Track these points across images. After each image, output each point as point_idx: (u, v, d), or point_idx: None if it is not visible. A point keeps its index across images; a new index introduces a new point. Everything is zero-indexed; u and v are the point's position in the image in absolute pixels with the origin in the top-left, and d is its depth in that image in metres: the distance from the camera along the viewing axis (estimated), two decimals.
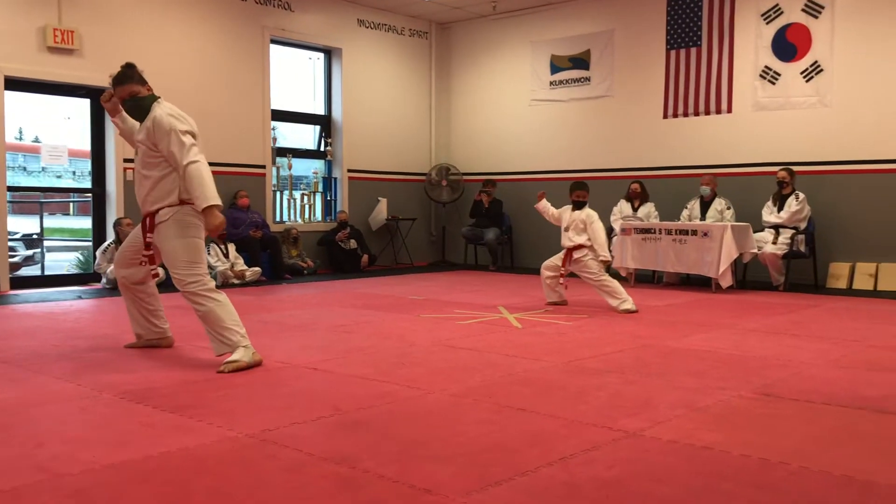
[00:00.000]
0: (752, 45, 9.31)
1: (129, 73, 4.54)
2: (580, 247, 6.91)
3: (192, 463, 2.75)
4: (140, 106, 4.51)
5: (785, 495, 2.48)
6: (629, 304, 6.65)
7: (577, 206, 7.05)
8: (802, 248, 8.45)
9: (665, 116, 10.02)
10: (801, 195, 8.45)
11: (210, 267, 8.75)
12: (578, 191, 7.10)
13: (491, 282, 9.32)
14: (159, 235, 4.46)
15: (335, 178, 11.14)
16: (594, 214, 7.00)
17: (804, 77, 8.96)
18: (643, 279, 9.10)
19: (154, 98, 4.54)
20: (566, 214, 7.11)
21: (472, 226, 11.19)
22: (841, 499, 2.46)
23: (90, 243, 9.23)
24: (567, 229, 7.03)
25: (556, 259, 7.09)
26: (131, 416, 3.35)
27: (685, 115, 9.85)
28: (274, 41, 10.33)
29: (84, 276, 9.12)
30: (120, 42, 8.72)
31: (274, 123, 10.37)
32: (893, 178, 8.43)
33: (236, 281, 8.77)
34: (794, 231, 8.41)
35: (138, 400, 3.61)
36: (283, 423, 3.21)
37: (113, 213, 8.90)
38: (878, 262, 8.45)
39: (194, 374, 4.18)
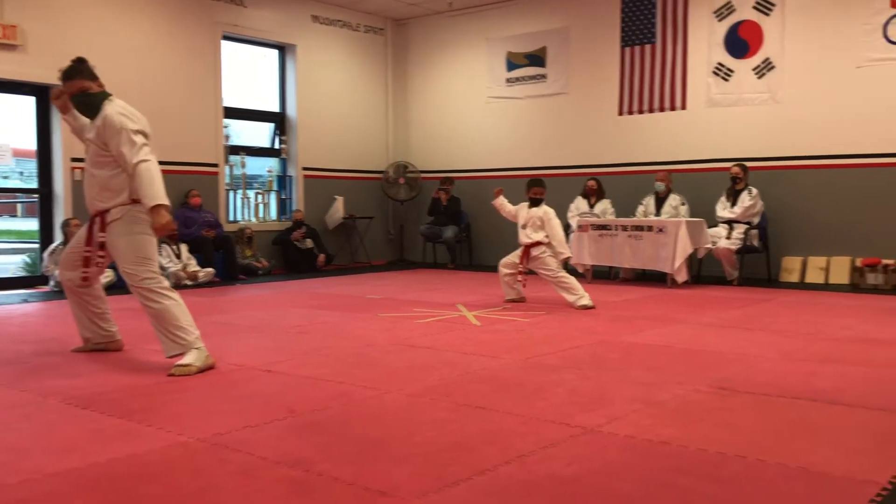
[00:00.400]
0: (705, 42, 9.41)
1: (78, 68, 4.40)
2: (538, 244, 6.91)
3: (139, 470, 2.66)
4: (90, 102, 4.37)
5: (742, 489, 2.48)
6: (586, 300, 6.67)
7: (534, 203, 7.05)
8: (756, 243, 8.57)
9: (620, 113, 10.08)
10: (754, 190, 8.56)
11: (162, 268, 8.54)
12: (535, 188, 7.09)
13: (449, 280, 9.29)
14: (111, 234, 4.33)
15: (290, 177, 11.01)
16: (551, 211, 7.01)
17: (756, 74, 9.08)
18: (600, 275, 9.14)
19: (105, 95, 4.41)
20: (523, 211, 7.11)
21: (430, 224, 11.15)
22: (796, 491, 2.47)
23: (37, 245, 8.98)
24: (524, 226, 7.03)
25: (514, 256, 7.08)
26: (77, 423, 3.24)
27: (640, 111, 9.92)
28: (226, 37, 10.17)
29: (31, 279, 8.87)
30: (66, 38, 8.49)
31: (226, 121, 10.21)
32: (843, 173, 8.58)
33: (189, 282, 8.60)
34: (747, 226, 8.52)
35: (85, 405, 3.49)
36: (236, 427, 3.13)
37: (61, 214, 8.67)
38: (828, 256, 8.60)
39: (144, 377, 4.07)
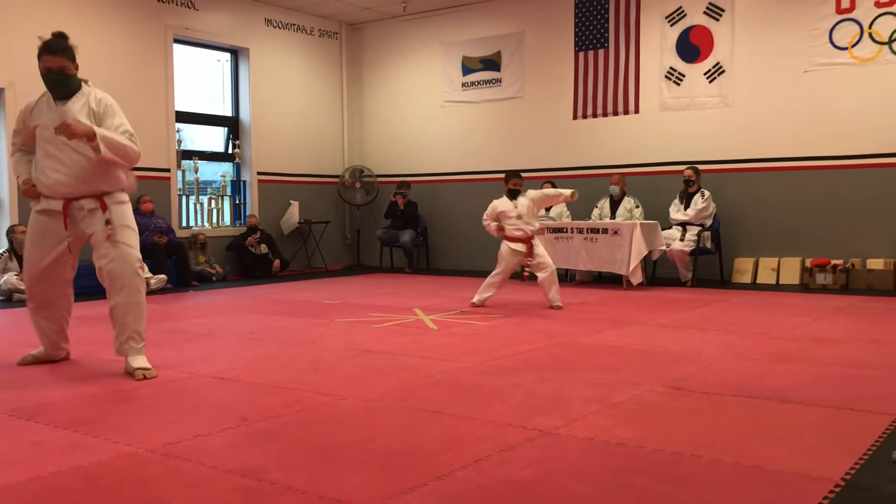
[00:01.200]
0: (657, 46, 9.52)
1: (65, 45, 4.26)
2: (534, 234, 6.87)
3: (85, 483, 2.57)
4: (67, 83, 4.23)
5: (698, 488, 2.49)
6: (559, 301, 6.77)
7: (515, 194, 7.00)
8: (708, 245, 8.68)
9: (575, 117, 10.15)
10: (707, 193, 8.68)
11: None
12: (516, 179, 7.09)
13: (407, 284, 9.24)
14: (117, 215, 4.23)
15: (244, 181, 10.86)
16: (529, 192, 7.00)
17: (707, 78, 9.21)
18: (557, 278, 9.16)
19: (83, 80, 4.35)
20: (507, 205, 6.96)
21: (387, 228, 11.09)
22: (751, 488, 2.48)
23: None
24: (520, 217, 6.88)
25: (511, 255, 6.90)
26: (20, 435, 3.13)
27: (594, 115, 10.00)
28: (178, 40, 10.00)
29: None
30: (12, 38, 8.26)
31: (179, 125, 10.04)
32: (792, 175, 8.75)
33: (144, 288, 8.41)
34: (700, 228, 8.63)
35: (29, 417, 3.38)
36: (187, 436, 3.05)
37: (6, 221, 8.43)
38: (779, 257, 8.76)
39: (91, 387, 3.95)
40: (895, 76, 8.17)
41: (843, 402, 3.53)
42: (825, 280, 8.16)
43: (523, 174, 10.39)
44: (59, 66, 4.25)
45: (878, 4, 8.22)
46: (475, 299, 7.02)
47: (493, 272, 7.04)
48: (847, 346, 4.91)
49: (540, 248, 6.96)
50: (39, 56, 4.27)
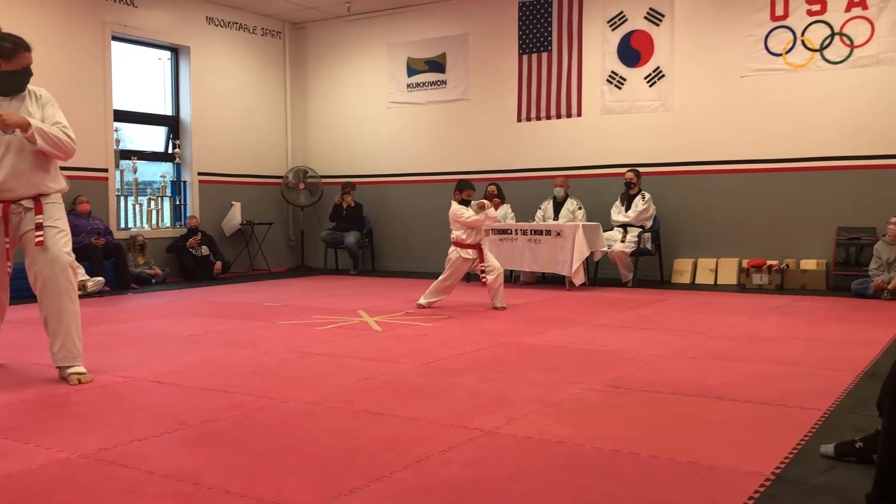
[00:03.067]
0: (599, 50, 9.66)
1: (25, 43, 4.19)
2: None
3: (14, 491, 2.50)
4: (23, 81, 4.20)
5: (635, 485, 2.53)
6: (503, 303, 6.88)
7: (468, 204, 7.08)
8: (649, 246, 8.84)
9: (519, 120, 10.23)
10: (647, 195, 8.84)
11: None
12: (470, 190, 7.19)
13: (351, 286, 9.20)
14: (51, 217, 4.14)
15: (185, 182, 10.67)
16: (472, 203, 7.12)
17: (648, 82, 9.37)
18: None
19: None
20: (470, 212, 7.04)
21: (331, 229, 11.02)
22: (686, 484, 2.53)
23: None
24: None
25: (463, 262, 6.95)
26: None
27: (538, 118, 10.10)
28: (116, 38, 9.78)
29: None
30: None
31: (117, 124, 9.81)
32: (730, 178, 8.96)
33: (77, 292, 8.20)
34: (640, 229, 8.78)
35: None
36: (122, 441, 2.99)
37: None
38: (717, 258, 8.96)
39: (22, 392, 3.84)
40: (827, 82, 8.43)
41: (775, 398, 3.63)
42: (761, 280, 8.38)
43: (468, 176, 10.51)
44: (27, 63, 4.23)
45: (810, 13, 8.48)
46: (422, 301, 7.02)
47: (443, 277, 7.04)
48: (781, 345, 5.04)
49: (488, 253, 7.03)
50: (19, 52, 4.12)
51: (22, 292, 8.10)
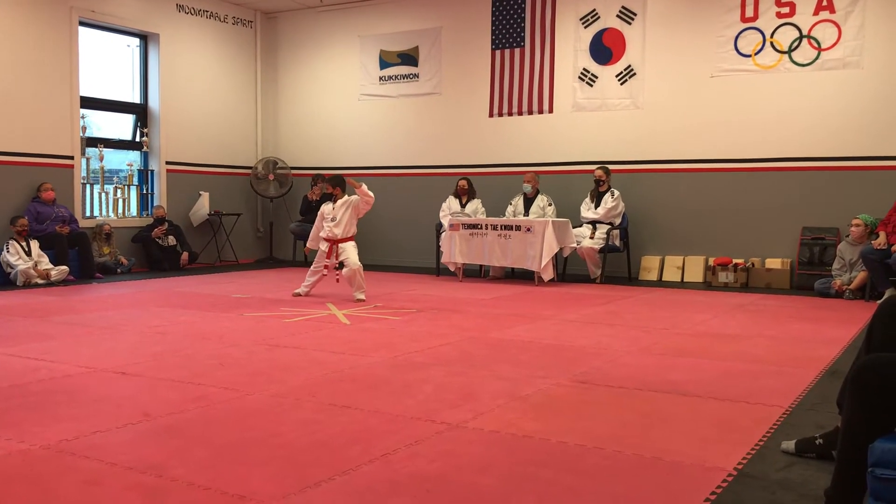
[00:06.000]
0: (571, 47, 9.69)
1: None
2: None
3: None
4: None
5: (600, 479, 2.55)
6: (363, 294, 7.07)
7: (330, 198, 7.41)
8: (617, 243, 8.90)
9: (491, 115, 10.24)
10: (616, 193, 8.89)
11: (10, 266, 8.03)
12: (331, 185, 7.46)
13: (320, 278, 9.12)
14: None
15: (152, 171, 10.53)
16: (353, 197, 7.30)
17: (619, 80, 9.43)
18: (471, 273, 9.25)
19: None
20: (325, 209, 7.36)
21: (301, 222, 10.94)
22: (651, 479, 2.56)
23: None
24: (333, 220, 7.25)
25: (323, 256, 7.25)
26: None
27: (510, 114, 10.11)
28: (84, 23, 9.61)
29: None
30: None
31: (84, 111, 9.66)
32: (698, 176, 9.05)
33: (40, 281, 8.09)
34: (609, 226, 8.84)
35: None
36: (84, 433, 2.95)
37: None
38: (684, 256, 9.05)
39: None
40: (794, 84, 8.54)
41: (738, 395, 3.68)
42: (727, 278, 8.48)
43: (440, 170, 10.52)
44: None
45: (779, 15, 8.58)
46: (300, 290, 7.28)
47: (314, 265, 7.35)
48: (745, 342, 5.11)
49: (347, 248, 7.19)
50: None
51: None
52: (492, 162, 10.23)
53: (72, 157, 9.44)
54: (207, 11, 11.03)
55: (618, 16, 9.39)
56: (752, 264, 8.56)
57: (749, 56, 8.73)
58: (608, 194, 8.90)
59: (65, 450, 2.75)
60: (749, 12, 8.70)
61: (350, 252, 7.18)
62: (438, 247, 9.33)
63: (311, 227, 10.67)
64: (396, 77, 10.92)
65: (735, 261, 8.56)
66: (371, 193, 7.21)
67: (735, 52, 8.79)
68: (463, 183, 9.70)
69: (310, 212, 10.85)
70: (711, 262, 8.69)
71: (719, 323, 5.95)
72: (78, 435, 2.92)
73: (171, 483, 2.44)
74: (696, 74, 9.00)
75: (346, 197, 7.32)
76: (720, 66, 8.87)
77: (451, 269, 8.99)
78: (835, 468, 2.19)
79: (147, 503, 2.29)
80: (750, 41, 8.72)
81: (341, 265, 7.21)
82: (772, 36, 8.61)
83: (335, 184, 7.43)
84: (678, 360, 4.50)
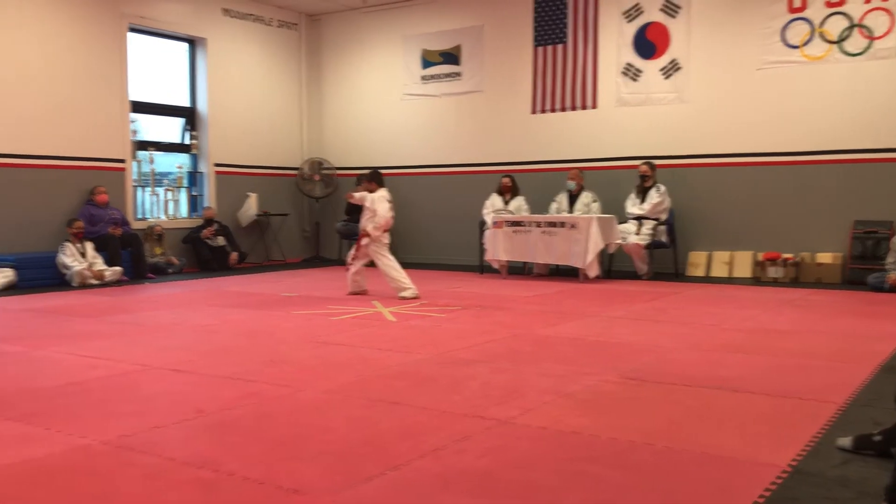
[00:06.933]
0: (614, 42, 9.62)
1: None
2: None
3: (37, 475, 2.54)
4: None
5: (651, 475, 2.54)
6: (410, 292, 7.07)
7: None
8: (664, 239, 8.82)
9: (534, 112, 10.21)
10: (662, 188, 8.81)
11: (66, 267, 8.25)
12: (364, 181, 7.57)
13: (365, 277, 9.19)
14: None
15: (201, 173, 10.73)
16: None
17: (663, 74, 9.33)
18: (514, 271, 9.24)
19: None
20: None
21: (346, 221, 11.04)
22: (702, 475, 2.54)
23: None
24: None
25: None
26: None
27: (552, 110, 10.07)
28: (133, 29, 9.83)
29: None
30: None
31: (134, 116, 9.87)
32: (745, 170, 8.92)
33: (95, 281, 8.29)
34: (655, 222, 8.76)
35: None
36: (142, 428, 3.03)
37: None
38: (732, 251, 8.92)
39: (44, 379, 3.89)
40: (844, 75, 8.37)
41: (790, 391, 3.63)
42: (776, 273, 8.34)
43: (482, 167, 10.52)
44: None
45: (828, 4, 8.41)
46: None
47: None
48: (796, 338, 5.03)
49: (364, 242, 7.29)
50: None
51: (37, 281, 8.20)
52: (535, 159, 10.21)
53: (123, 161, 9.66)
54: (253, 15, 11.19)
55: (661, 9, 9.29)
56: (802, 259, 8.41)
57: (797, 47, 8.57)
58: (654, 189, 8.81)
59: (124, 445, 2.83)
60: (797, 2, 8.54)
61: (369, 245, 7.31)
62: (482, 244, 9.34)
63: (356, 227, 10.80)
64: (439, 76, 10.96)
65: (784, 255, 8.42)
66: (356, 197, 7.45)
67: (782, 43, 8.64)
68: (506, 180, 9.69)
69: (354, 211, 10.94)
70: (760, 257, 8.56)
71: (769, 319, 5.86)
72: (136, 430, 3.00)
73: (226, 477, 2.50)
74: (742, 67, 8.87)
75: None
76: (767, 58, 8.72)
77: (495, 266, 8.99)
78: (894, 465, 2.16)
79: (204, 497, 2.35)
80: (798, 32, 8.56)
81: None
82: (821, 26, 8.44)
83: (368, 178, 7.51)
84: (727, 356, 4.45)
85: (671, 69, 9.28)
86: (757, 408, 3.37)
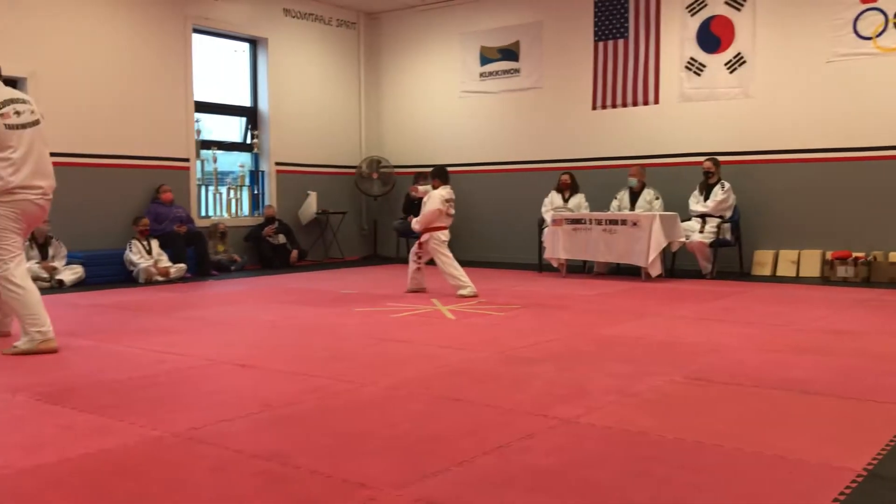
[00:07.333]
0: (677, 36, 9.46)
1: None
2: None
3: (112, 465, 2.60)
4: None
5: (720, 477, 2.49)
6: (469, 290, 7.04)
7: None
8: (728, 237, 8.64)
9: (594, 108, 10.11)
10: (727, 185, 8.63)
11: (133, 264, 8.46)
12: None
13: (425, 275, 9.22)
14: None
15: (262, 172, 10.91)
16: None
17: (728, 68, 9.14)
18: (574, 269, 9.16)
19: None
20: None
21: (404, 219, 11.09)
22: (774, 477, 2.48)
23: None
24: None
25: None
26: (47, 418, 3.17)
27: (613, 106, 9.96)
28: (197, 30, 10.04)
29: None
30: (32, 30, 8.32)
31: (198, 115, 10.08)
32: (814, 167, 8.68)
33: (160, 278, 8.50)
34: (720, 220, 8.58)
35: (55, 401, 3.42)
36: (210, 421, 3.08)
37: None
38: (799, 250, 8.69)
39: (115, 373, 3.99)
40: None
41: (864, 393, 3.51)
42: (846, 273, 8.10)
43: (541, 164, 10.46)
44: None
45: None
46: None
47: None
48: (868, 339, 4.87)
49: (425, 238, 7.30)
50: None
51: (105, 278, 8.43)
52: (595, 155, 10.10)
53: (187, 160, 9.87)
54: (312, 15, 11.32)
55: (726, 2, 9.11)
56: (874, 258, 8.14)
57: (870, 38, 8.30)
58: (718, 186, 8.64)
59: (193, 437, 2.89)
60: None
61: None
62: (541, 242, 9.28)
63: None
64: (497, 73, 10.93)
65: (855, 254, 8.16)
66: (420, 190, 7.59)
67: (854, 34, 8.38)
68: (565, 178, 9.62)
69: (412, 209, 10.99)
70: (829, 255, 8.32)
71: (839, 319, 5.69)
72: (204, 423, 3.05)
73: (294, 470, 2.53)
74: (810, 60, 8.63)
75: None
76: (837, 50, 8.47)
77: (554, 264, 8.93)
78: None
79: (272, 489, 2.38)
80: (871, 23, 8.29)
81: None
82: (895, 16, 8.16)
83: (433, 175, 7.54)
84: (797, 358, 4.34)
85: (736, 63, 9.08)
86: (829, 410, 3.27)
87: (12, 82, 7.90)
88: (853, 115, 8.41)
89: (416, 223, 7.36)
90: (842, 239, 8.44)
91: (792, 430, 3.00)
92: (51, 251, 8.04)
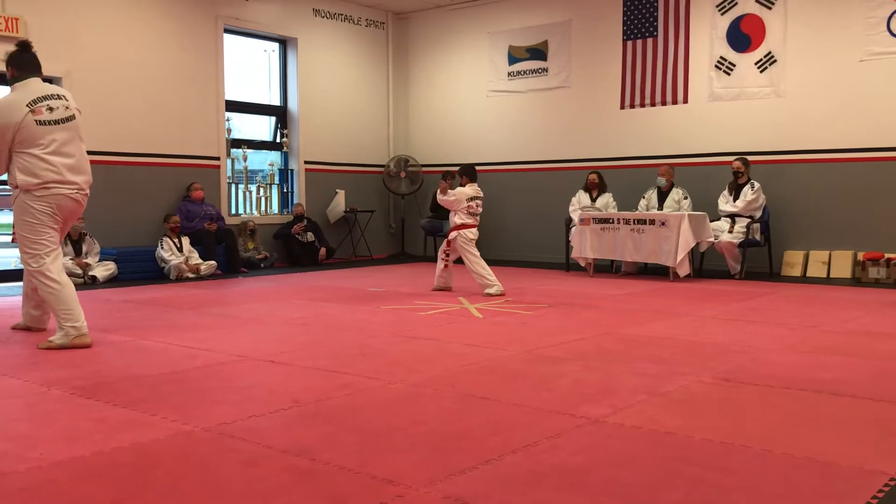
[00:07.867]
0: (707, 35, 9.39)
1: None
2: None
3: (144, 459, 2.65)
4: None
5: (749, 478, 2.47)
6: (495, 289, 7.05)
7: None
8: (758, 237, 8.56)
9: (622, 107, 10.06)
10: (756, 184, 8.55)
11: (164, 261, 8.57)
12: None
13: (452, 273, 9.24)
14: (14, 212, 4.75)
15: (292, 170, 10.99)
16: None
17: (758, 67, 9.05)
18: (602, 269, 9.13)
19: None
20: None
21: (431, 217, 11.13)
22: (804, 480, 2.46)
23: None
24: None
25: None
26: (81, 412, 3.23)
27: (642, 105, 9.90)
28: (228, 30, 10.14)
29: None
30: (68, 30, 8.46)
31: (228, 114, 10.18)
32: (845, 167, 8.57)
33: (191, 275, 8.60)
34: (749, 220, 8.51)
35: (88, 395, 3.49)
36: (241, 417, 3.12)
37: None
38: (830, 251, 8.59)
39: (145, 368, 4.06)
40: None
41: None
42: (878, 274, 7.99)
43: (569, 164, 10.43)
44: None
45: None
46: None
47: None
48: None
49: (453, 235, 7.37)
50: None
51: (137, 274, 8.54)
52: (623, 155, 10.05)
53: (218, 158, 9.98)
54: (342, 14, 11.39)
55: (757, 1, 9.02)
56: None
57: None
58: (747, 186, 8.56)
59: (224, 432, 2.93)
60: None
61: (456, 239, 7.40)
62: (568, 242, 9.26)
63: (440, 223, 10.90)
64: (525, 72, 10.91)
65: (887, 255, 8.05)
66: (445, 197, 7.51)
67: (888, 33, 8.26)
68: (593, 177, 9.59)
69: (439, 208, 11.01)
70: (860, 256, 8.21)
71: (871, 321, 5.62)
72: (235, 418, 3.09)
73: (323, 466, 2.56)
74: (842, 59, 8.52)
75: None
76: (870, 49, 8.36)
77: (582, 264, 8.90)
78: None
79: (302, 484, 2.41)
80: None
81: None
82: None
83: (460, 172, 7.64)
84: (827, 359, 4.29)
85: (766, 62, 8.99)
86: (861, 413, 3.24)
87: (48, 80, 8.07)
88: (886, 114, 8.29)
89: (440, 194, 7.43)
90: (874, 240, 8.32)
91: (822, 431, 2.97)
92: (84, 248, 8.17)
